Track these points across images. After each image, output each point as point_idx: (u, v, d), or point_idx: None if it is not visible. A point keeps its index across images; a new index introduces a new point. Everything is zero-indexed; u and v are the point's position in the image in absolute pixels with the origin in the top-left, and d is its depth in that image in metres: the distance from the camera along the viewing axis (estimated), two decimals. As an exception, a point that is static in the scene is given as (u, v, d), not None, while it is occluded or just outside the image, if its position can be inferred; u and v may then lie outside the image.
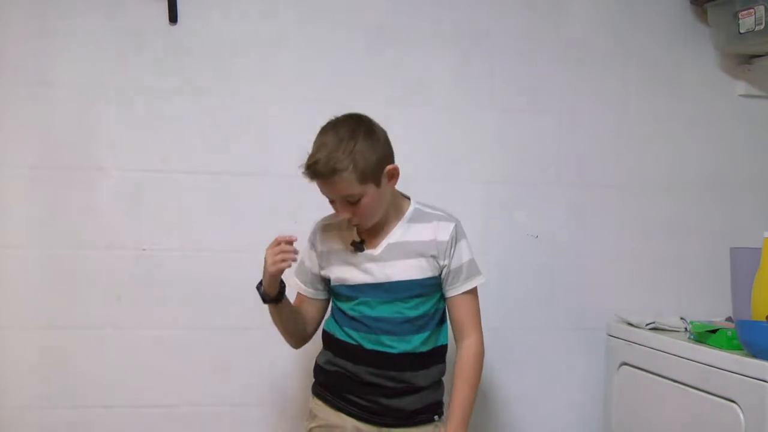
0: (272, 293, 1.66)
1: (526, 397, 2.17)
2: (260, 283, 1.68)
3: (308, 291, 1.79)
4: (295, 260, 1.63)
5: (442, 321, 1.75)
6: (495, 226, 2.15)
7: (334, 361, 1.73)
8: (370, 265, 1.69)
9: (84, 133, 1.99)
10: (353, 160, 1.57)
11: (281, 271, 1.63)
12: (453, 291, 1.72)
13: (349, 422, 1.70)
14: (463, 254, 1.71)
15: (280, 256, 1.60)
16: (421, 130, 2.12)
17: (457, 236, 1.71)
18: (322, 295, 1.79)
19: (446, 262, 1.69)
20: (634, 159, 2.22)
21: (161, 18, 2.00)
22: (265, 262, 1.63)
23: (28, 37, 1.96)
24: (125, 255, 1.99)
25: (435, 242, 1.69)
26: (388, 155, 1.65)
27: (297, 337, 1.78)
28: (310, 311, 1.79)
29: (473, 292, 1.73)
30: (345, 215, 1.64)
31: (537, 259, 2.17)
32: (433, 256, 1.69)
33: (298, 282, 1.79)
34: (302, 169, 1.59)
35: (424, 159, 2.10)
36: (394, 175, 1.66)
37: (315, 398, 1.77)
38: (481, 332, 1.74)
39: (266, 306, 1.70)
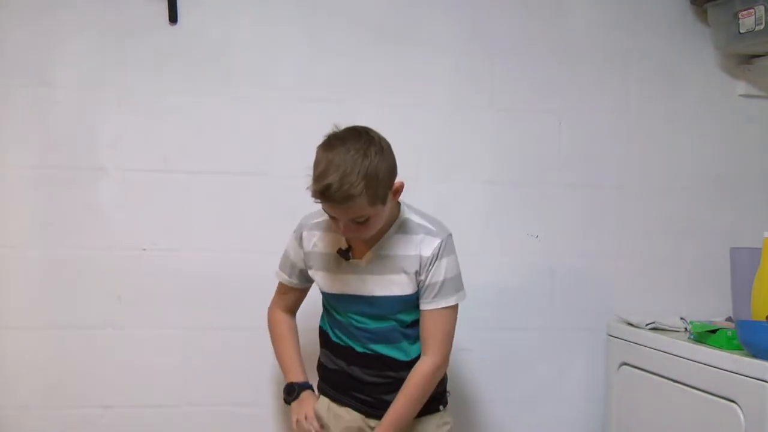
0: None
1: (526, 397, 2.17)
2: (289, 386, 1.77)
3: (293, 282, 1.79)
4: None
5: None
6: (495, 226, 2.15)
7: (333, 359, 1.74)
8: (353, 277, 1.67)
9: (84, 133, 1.99)
10: (367, 184, 1.49)
11: None
12: (424, 305, 1.67)
13: (357, 416, 1.71)
14: (441, 271, 1.65)
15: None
16: (421, 130, 2.12)
17: (440, 253, 1.64)
18: (306, 284, 1.80)
19: (422, 277, 1.65)
20: (634, 159, 2.22)
21: (161, 18, 2.00)
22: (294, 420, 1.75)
23: (28, 37, 1.96)
24: (125, 255, 1.99)
25: (419, 257, 1.65)
26: (395, 171, 1.58)
27: None
28: (297, 297, 1.82)
29: (447, 310, 1.66)
30: (348, 235, 1.60)
31: (537, 259, 2.17)
32: (416, 272, 1.65)
33: (284, 275, 1.79)
34: (311, 191, 1.51)
35: (424, 159, 2.10)
36: (399, 190, 1.62)
37: (320, 395, 1.78)
38: (444, 353, 1.67)
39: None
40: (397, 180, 1.60)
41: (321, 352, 1.79)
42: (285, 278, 1.80)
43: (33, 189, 1.97)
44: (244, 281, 2.02)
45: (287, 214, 2.00)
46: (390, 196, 1.58)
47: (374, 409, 1.70)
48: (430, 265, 1.64)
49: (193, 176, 2.02)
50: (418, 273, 1.65)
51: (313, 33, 2.07)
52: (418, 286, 1.66)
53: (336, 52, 2.08)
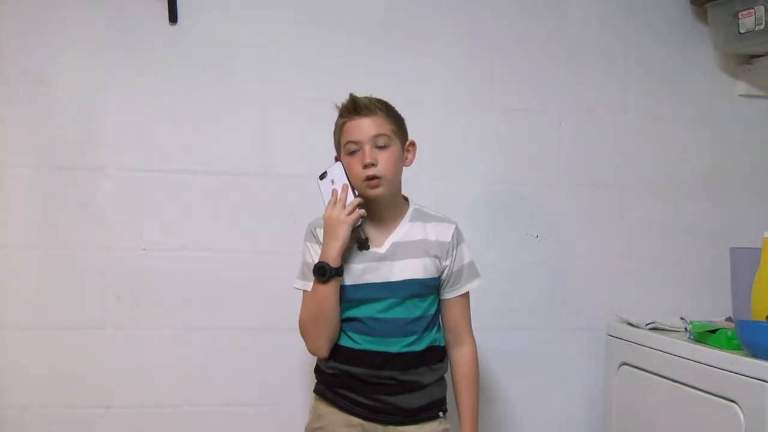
0: (338, 264, 1.61)
1: (526, 397, 2.17)
2: (319, 264, 1.61)
3: None
4: (365, 214, 1.64)
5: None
6: (495, 226, 2.15)
7: (334, 365, 1.71)
8: (375, 264, 1.67)
9: (84, 133, 1.99)
10: (389, 107, 1.68)
11: (357, 220, 1.62)
12: (453, 293, 1.72)
13: (355, 421, 1.69)
14: (464, 256, 1.73)
15: (353, 209, 1.62)
16: (421, 130, 2.10)
17: (458, 238, 1.73)
18: None
19: (448, 263, 1.70)
20: (634, 159, 2.22)
21: (161, 18, 2.00)
22: (332, 222, 1.62)
23: (28, 37, 1.96)
24: (125, 255, 1.99)
25: (437, 242, 1.70)
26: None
27: (335, 330, 1.68)
28: None
29: (468, 295, 1.75)
30: (369, 160, 1.61)
31: (537, 259, 2.17)
32: (437, 256, 1.69)
33: (308, 284, 1.67)
34: (340, 112, 1.66)
35: (423, 159, 2.08)
36: (413, 151, 1.72)
37: (319, 399, 1.75)
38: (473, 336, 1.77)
39: (317, 294, 1.64)
40: (413, 141, 1.73)
41: (320, 359, 1.75)
42: (310, 285, 1.68)
43: (33, 189, 1.97)
44: (244, 281, 2.02)
45: (287, 214, 2.01)
46: (405, 150, 1.70)
47: (372, 412, 1.68)
48: (452, 249, 1.71)
49: (193, 176, 2.03)
50: (439, 258, 1.69)
51: (313, 33, 2.07)
52: (441, 273, 1.70)
53: (336, 52, 2.08)
